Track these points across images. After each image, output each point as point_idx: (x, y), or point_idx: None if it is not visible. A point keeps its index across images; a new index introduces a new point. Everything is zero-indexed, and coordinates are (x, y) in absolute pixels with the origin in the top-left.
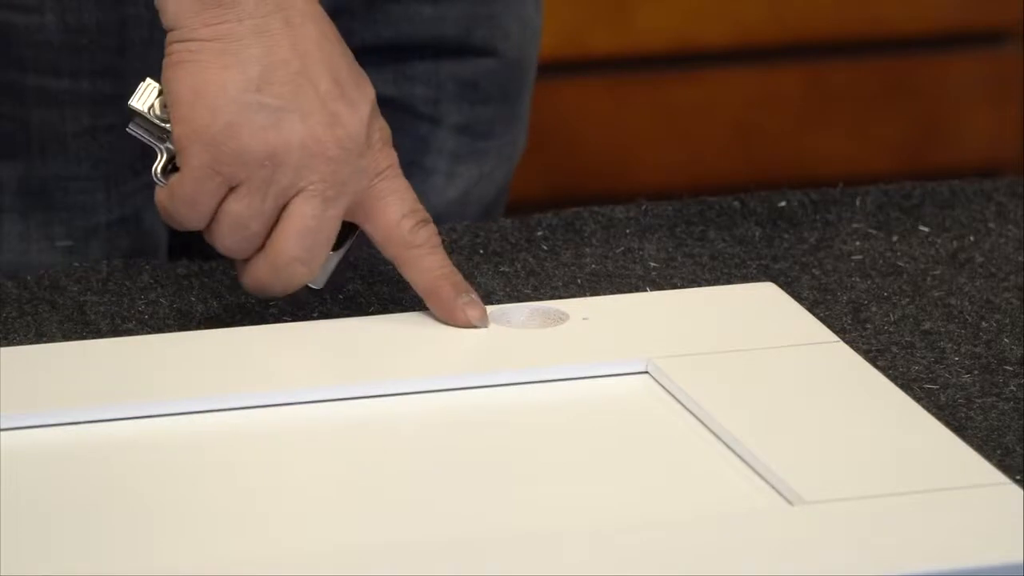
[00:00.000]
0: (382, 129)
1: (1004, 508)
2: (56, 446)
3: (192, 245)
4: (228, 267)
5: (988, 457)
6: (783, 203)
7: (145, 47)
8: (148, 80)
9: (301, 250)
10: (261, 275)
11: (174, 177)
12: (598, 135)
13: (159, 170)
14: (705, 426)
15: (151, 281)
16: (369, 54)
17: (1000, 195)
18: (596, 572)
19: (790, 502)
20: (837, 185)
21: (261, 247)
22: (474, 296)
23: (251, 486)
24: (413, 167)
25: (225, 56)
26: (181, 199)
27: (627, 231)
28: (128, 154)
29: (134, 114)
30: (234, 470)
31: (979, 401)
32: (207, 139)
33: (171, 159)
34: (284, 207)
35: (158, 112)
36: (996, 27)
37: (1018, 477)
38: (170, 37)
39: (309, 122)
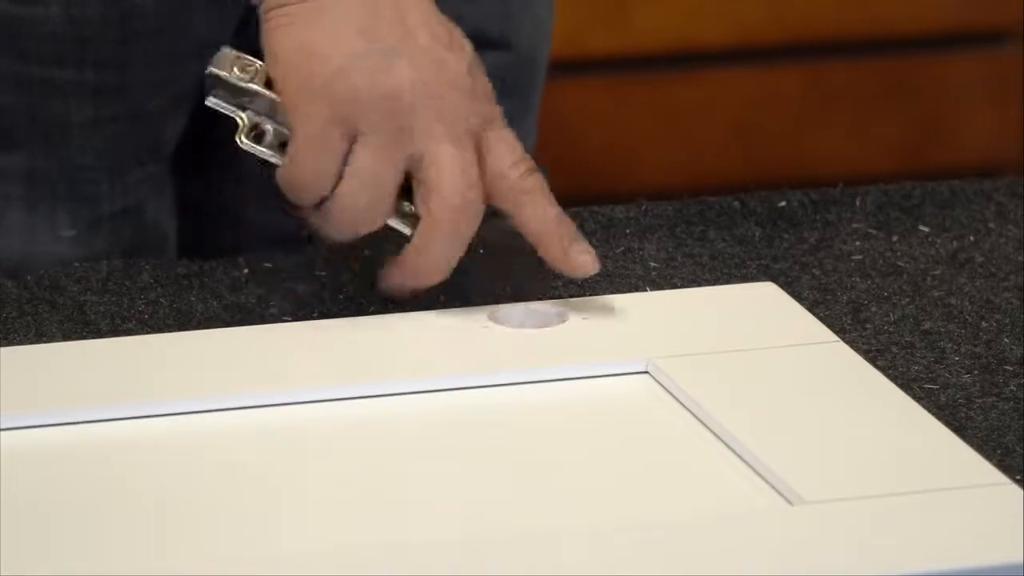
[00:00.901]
0: (485, 82)
1: (1004, 508)
2: (56, 446)
3: (202, 241)
4: (228, 267)
5: (988, 457)
6: (783, 203)
7: (148, 38)
8: (224, 47)
9: (460, 197)
10: (434, 251)
11: (290, 147)
12: (598, 135)
13: (243, 137)
14: (705, 426)
15: (151, 281)
16: None
17: (1000, 195)
18: (596, 572)
19: (790, 502)
20: (837, 185)
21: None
22: (585, 243)
23: (251, 486)
24: None
25: (323, 13)
26: (303, 164)
27: (627, 231)
28: (132, 145)
29: (215, 82)
30: (234, 470)
31: (979, 401)
32: (319, 89)
33: (253, 127)
34: (420, 167)
35: (240, 74)
36: (996, 27)
37: (1018, 477)
38: (265, 5)
39: (417, 66)
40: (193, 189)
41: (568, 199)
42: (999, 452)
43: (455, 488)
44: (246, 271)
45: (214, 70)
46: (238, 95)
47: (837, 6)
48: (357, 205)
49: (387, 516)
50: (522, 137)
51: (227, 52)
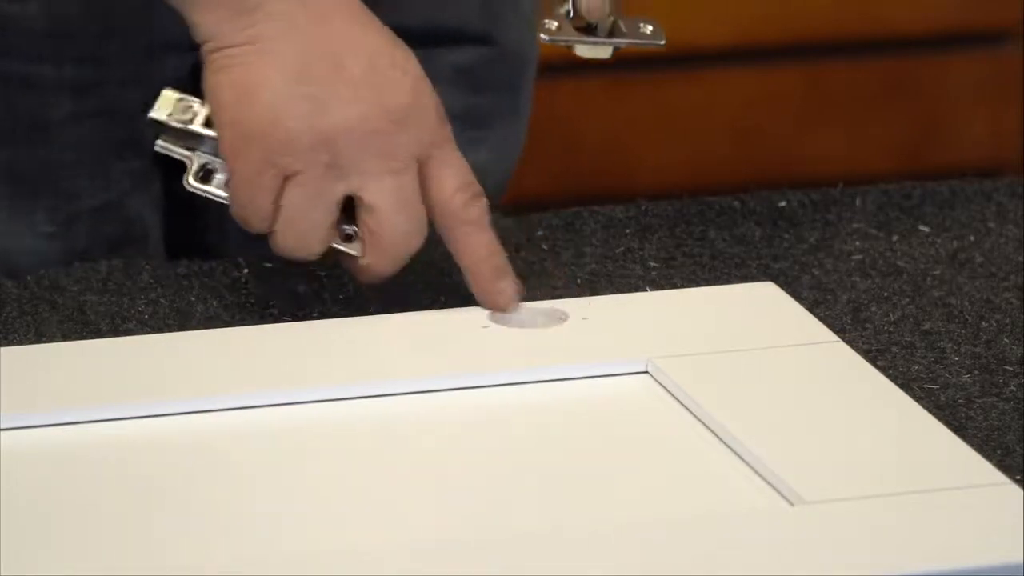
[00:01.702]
0: (429, 104)
1: (1004, 508)
2: (56, 446)
3: (188, 237)
4: (228, 267)
5: (988, 457)
6: (783, 203)
7: (126, 33)
8: (165, 90)
9: (410, 223)
10: (378, 271)
11: (229, 187)
12: (598, 135)
13: (191, 178)
14: (705, 426)
15: (151, 281)
16: None
17: (1000, 195)
18: (596, 572)
19: (790, 502)
20: (837, 185)
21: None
22: (512, 281)
23: (251, 486)
24: None
25: (262, 56)
26: (241, 204)
27: (627, 231)
28: (111, 140)
29: (159, 129)
30: (234, 470)
31: (979, 401)
32: (256, 134)
33: (202, 167)
34: (360, 198)
35: (180, 118)
36: (996, 27)
37: (1018, 477)
38: (206, 48)
39: (351, 102)
40: (178, 185)
41: (568, 199)
42: (999, 452)
43: (455, 488)
44: (246, 271)
45: (154, 115)
46: (183, 137)
47: (837, 6)
48: (290, 240)
49: (387, 516)
50: (508, 137)
51: (167, 95)
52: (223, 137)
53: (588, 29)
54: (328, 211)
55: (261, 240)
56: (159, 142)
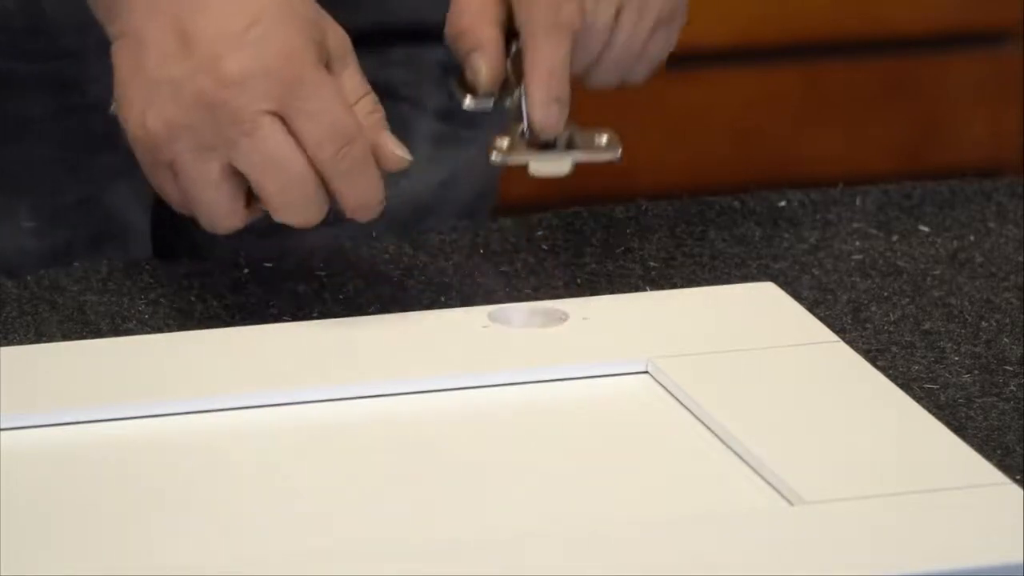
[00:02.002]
0: (275, 56)
1: (1004, 508)
2: (56, 446)
3: (174, 233)
4: (228, 267)
5: (988, 457)
6: (783, 203)
7: (98, 32)
8: None
9: (279, 180)
10: (287, 219)
11: None
12: None
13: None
14: (705, 426)
15: (151, 281)
16: (351, 39)
17: (1000, 195)
18: (596, 572)
19: (790, 502)
20: (837, 185)
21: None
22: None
23: (251, 486)
24: None
25: (128, 50)
26: (158, 192)
27: (627, 231)
28: (90, 135)
29: None
30: (234, 470)
31: (979, 401)
32: (131, 137)
33: None
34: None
35: None
36: (996, 27)
37: (1018, 477)
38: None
39: (196, 78)
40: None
41: (568, 199)
42: (999, 452)
43: (455, 488)
44: (246, 271)
45: (112, 110)
46: None
47: (836, 6)
48: (203, 221)
49: (387, 516)
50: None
51: None
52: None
53: (544, 145)
54: (215, 190)
55: (251, 237)
56: None
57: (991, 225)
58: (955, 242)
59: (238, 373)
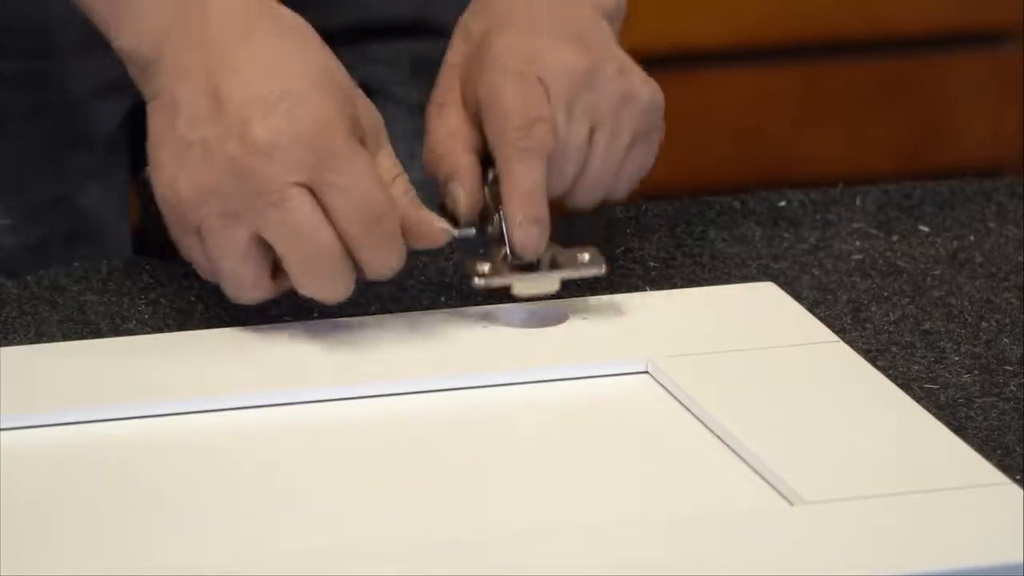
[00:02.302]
0: (308, 125)
1: (1004, 508)
2: (56, 446)
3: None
4: None
5: (988, 457)
6: (783, 203)
7: (75, 27)
8: None
9: (303, 251)
10: (310, 293)
11: None
12: None
13: None
14: (705, 426)
15: (151, 281)
16: (329, 37)
17: (1000, 195)
18: (596, 571)
19: (790, 502)
20: (837, 185)
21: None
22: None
23: (251, 486)
24: None
25: (161, 111)
26: (186, 258)
27: (627, 231)
28: (65, 133)
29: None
30: (234, 470)
31: (979, 401)
32: (160, 200)
33: None
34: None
35: None
36: (996, 27)
37: (1018, 477)
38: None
39: (225, 142)
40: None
41: None
42: (999, 452)
43: (455, 488)
44: None
45: (145, 174)
46: None
47: (836, 6)
48: (227, 289)
49: (387, 516)
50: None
51: None
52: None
53: (527, 267)
54: (241, 259)
55: None
56: None
57: (991, 225)
58: (955, 242)
59: (238, 373)
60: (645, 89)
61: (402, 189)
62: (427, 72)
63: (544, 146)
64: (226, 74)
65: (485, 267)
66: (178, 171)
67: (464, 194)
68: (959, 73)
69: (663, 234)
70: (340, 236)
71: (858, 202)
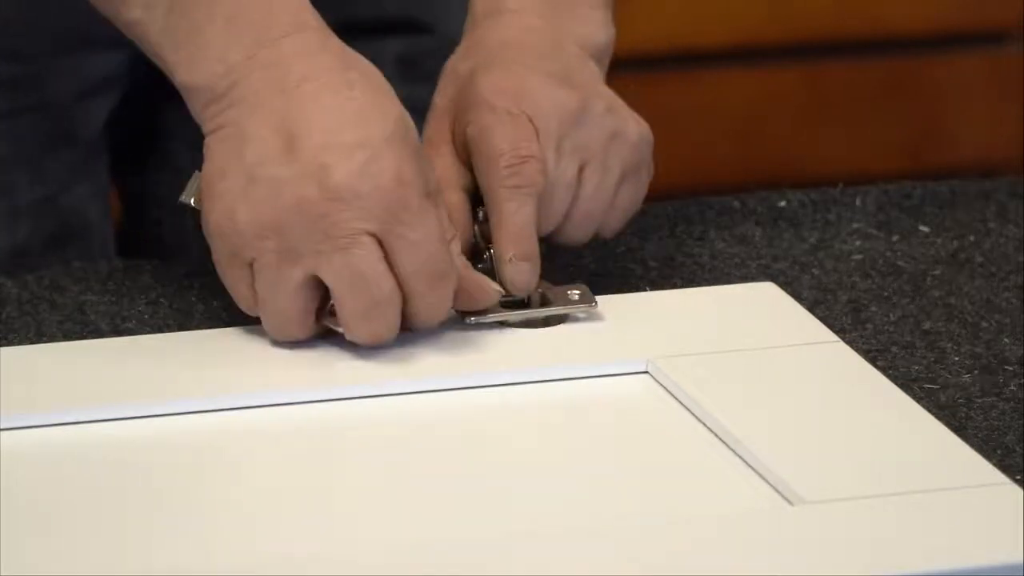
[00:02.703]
0: (386, 176)
1: (1004, 508)
2: (56, 446)
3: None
4: None
5: (988, 457)
6: (783, 203)
7: (57, 29)
8: (195, 173)
9: (363, 300)
10: (363, 342)
11: None
12: None
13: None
14: (705, 426)
15: (151, 281)
16: None
17: (1000, 195)
18: (596, 571)
19: (790, 502)
20: (837, 185)
21: (318, 317)
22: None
23: (251, 486)
24: None
25: (226, 143)
26: (229, 290)
27: (627, 231)
28: (45, 134)
29: (190, 211)
30: (234, 470)
31: (979, 401)
32: (215, 229)
33: None
34: (318, 273)
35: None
36: (996, 27)
37: (1018, 477)
38: (199, 101)
39: (299, 184)
40: (131, 182)
41: None
42: (999, 452)
43: (455, 488)
44: None
45: (181, 199)
46: None
47: (837, 6)
48: (269, 325)
49: (387, 516)
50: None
51: (195, 178)
52: (205, 229)
53: (518, 303)
54: (291, 296)
55: None
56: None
57: (991, 225)
58: (955, 242)
59: (238, 373)
60: (633, 126)
61: (456, 251)
62: (412, 69)
63: (534, 184)
64: (302, 117)
65: None
66: (239, 203)
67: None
68: (959, 73)
69: (663, 234)
70: (400, 287)
71: (858, 202)
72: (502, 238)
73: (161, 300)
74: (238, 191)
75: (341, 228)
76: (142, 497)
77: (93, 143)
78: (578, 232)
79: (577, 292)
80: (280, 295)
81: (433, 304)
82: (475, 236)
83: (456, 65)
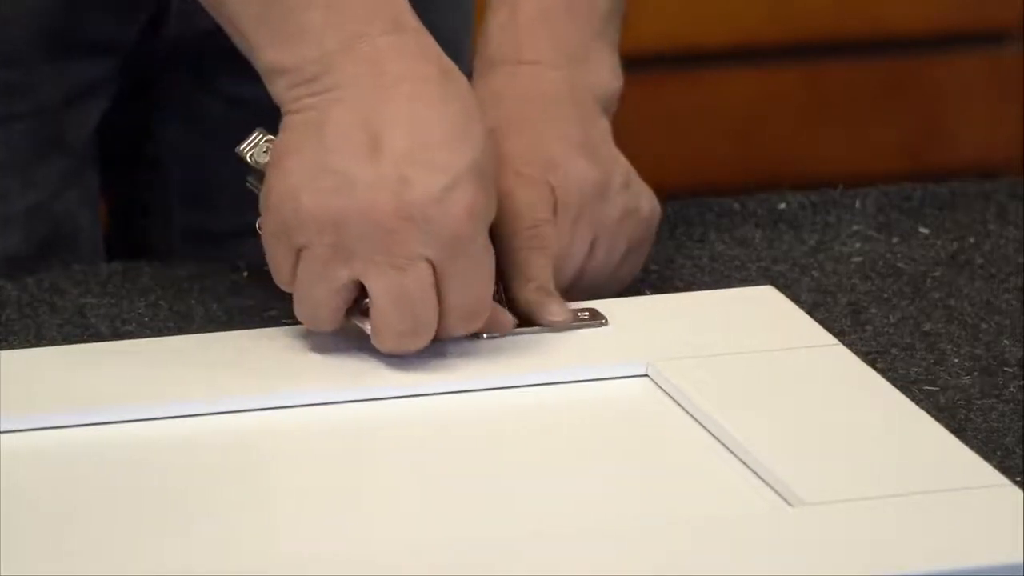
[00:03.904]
0: (457, 208)
1: (1004, 509)
2: (56, 449)
3: (130, 238)
4: (228, 270)
5: (988, 459)
6: (783, 205)
7: (51, 35)
8: (258, 129)
9: (404, 323)
10: (385, 350)
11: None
12: None
13: (259, 224)
14: (705, 428)
15: (151, 284)
16: None
17: (1000, 196)
18: (597, 572)
19: (790, 503)
20: (837, 186)
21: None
22: None
23: (251, 487)
24: None
25: (306, 127)
26: (268, 256)
27: None
28: (36, 140)
29: (246, 165)
30: (234, 472)
31: (979, 403)
32: (274, 202)
33: None
34: (362, 278)
35: (258, 159)
36: (996, 27)
37: (1018, 478)
38: (284, 83)
39: (375, 189)
40: (119, 187)
41: None
42: (999, 454)
43: (455, 490)
44: (246, 274)
45: (238, 149)
46: (258, 177)
47: (837, 6)
48: (301, 310)
49: (387, 517)
50: None
51: (257, 134)
52: (262, 195)
53: (528, 322)
54: (331, 291)
55: (204, 246)
56: (248, 178)
57: (991, 227)
58: (955, 244)
59: (238, 376)
60: (646, 203)
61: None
62: None
63: (549, 246)
64: (392, 120)
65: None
66: (306, 186)
67: None
68: (959, 73)
69: (663, 236)
70: (441, 315)
71: (858, 204)
72: (530, 289)
73: (161, 303)
74: (308, 174)
75: (404, 247)
76: (142, 499)
77: (84, 149)
78: (578, 297)
79: (587, 312)
80: (321, 289)
81: (457, 333)
82: None
83: None
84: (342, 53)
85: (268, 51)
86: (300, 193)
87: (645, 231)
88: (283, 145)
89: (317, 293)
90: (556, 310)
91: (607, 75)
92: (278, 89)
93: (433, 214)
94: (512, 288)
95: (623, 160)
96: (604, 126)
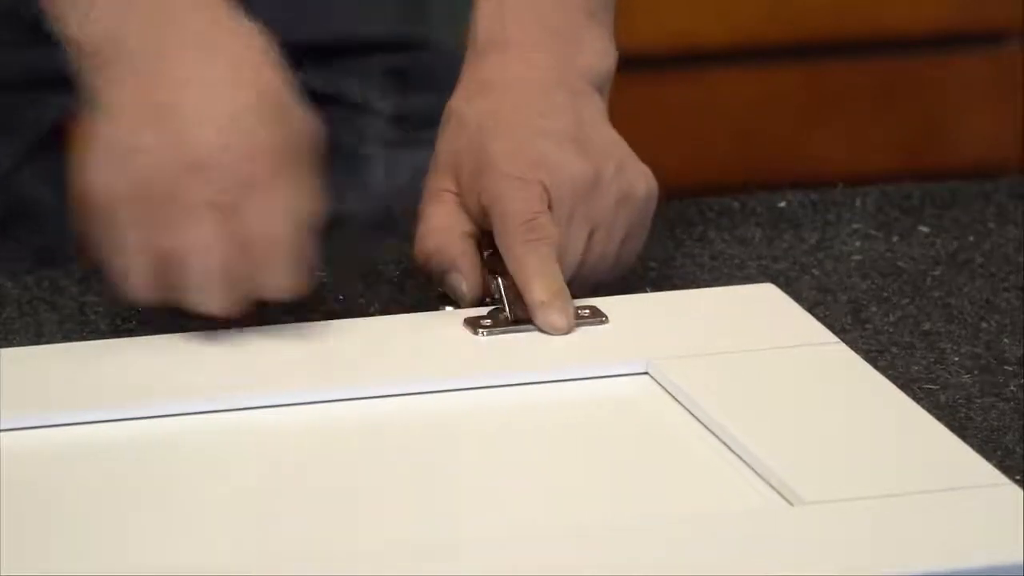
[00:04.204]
0: (234, 153)
1: (1004, 508)
2: (56, 447)
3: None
4: None
5: (988, 457)
6: (783, 203)
7: (3, 15)
8: None
9: (201, 274)
10: (204, 308)
11: None
12: None
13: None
14: (705, 427)
15: None
16: (306, 50)
17: (1000, 195)
18: (596, 572)
19: (790, 502)
20: (837, 185)
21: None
22: None
23: (251, 487)
24: (351, 155)
25: (99, 110)
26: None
27: None
28: None
29: None
30: (234, 470)
31: (979, 401)
32: (80, 191)
33: None
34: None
35: None
36: (996, 27)
37: (1018, 477)
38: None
39: (159, 152)
40: None
41: None
42: (999, 452)
43: (454, 488)
44: None
45: None
46: None
47: (837, 6)
48: (118, 286)
49: (387, 516)
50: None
51: None
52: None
53: (527, 320)
54: (135, 258)
55: None
56: None
57: (991, 226)
58: (955, 243)
59: (238, 374)
60: (642, 184)
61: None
62: (398, 83)
63: (549, 236)
64: (170, 85)
65: (487, 321)
66: (104, 167)
67: (466, 285)
68: (958, 73)
69: (663, 234)
70: (240, 258)
71: (858, 203)
72: (531, 288)
73: None
74: (106, 161)
75: (188, 198)
76: (142, 498)
77: (43, 136)
78: (580, 290)
79: (588, 310)
80: (127, 256)
81: (272, 276)
82: (484, 276)
83: (460, 108)
84: (124, 23)
85: (68, 29)
86: (101, 179)
87: (643, 213)
88: (84, 131)
89: (124, 262)
90: (556, 319)
91: (598, 56)
92: (79, 67)
93: (210, 161)
94: (519, 287)
95: (616, 140)
96: (597, 106)
